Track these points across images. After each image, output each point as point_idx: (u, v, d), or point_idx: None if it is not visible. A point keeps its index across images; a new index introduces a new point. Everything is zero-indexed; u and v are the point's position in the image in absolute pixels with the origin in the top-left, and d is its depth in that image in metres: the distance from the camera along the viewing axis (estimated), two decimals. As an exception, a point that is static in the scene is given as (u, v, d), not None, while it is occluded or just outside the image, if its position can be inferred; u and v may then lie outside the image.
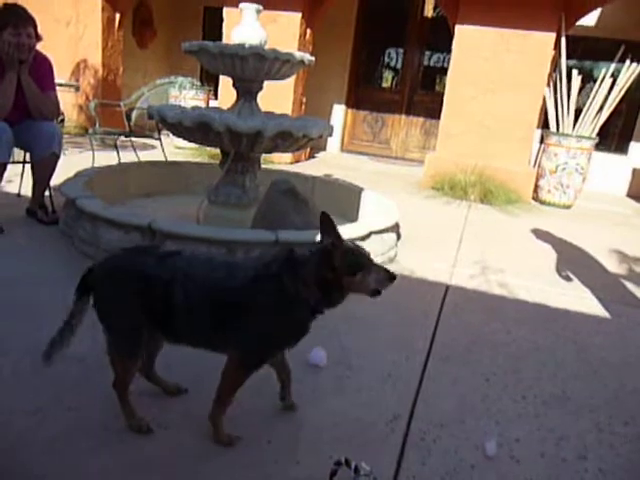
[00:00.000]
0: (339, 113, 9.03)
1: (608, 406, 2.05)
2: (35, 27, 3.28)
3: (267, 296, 1.46)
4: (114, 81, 8.13)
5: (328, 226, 1.46)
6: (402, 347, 2.32)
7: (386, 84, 9.28)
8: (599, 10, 7.67)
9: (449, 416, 1.86)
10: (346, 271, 1.43)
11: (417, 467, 1.60)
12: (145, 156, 5.68)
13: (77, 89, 7.34)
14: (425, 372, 2.14)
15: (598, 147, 7.76)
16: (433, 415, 1.86)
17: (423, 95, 8.69)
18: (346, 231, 3.09)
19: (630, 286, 3.54)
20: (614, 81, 6.32)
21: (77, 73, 7.88)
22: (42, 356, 1.50)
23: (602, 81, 6.35)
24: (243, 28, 3.27)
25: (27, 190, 3.63)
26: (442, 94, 6.70)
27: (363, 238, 3.11)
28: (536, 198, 6.50)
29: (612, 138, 8.45)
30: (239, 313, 1.46)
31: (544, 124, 6.92)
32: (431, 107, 8.27)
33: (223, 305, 1.47)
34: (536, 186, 6.51)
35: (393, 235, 3.47)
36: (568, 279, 3.53)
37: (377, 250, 3.19)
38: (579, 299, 3.16)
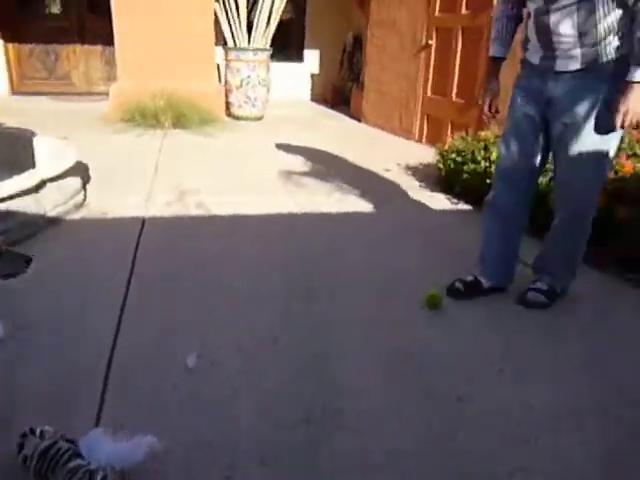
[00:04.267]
0: (-2, 49, 7.69)
1: (293, 293, 2.32)
2: None
3: None
4: None
5: None
6: (99, 293, 2.21)
7: (50, 10, 8.15)
8: None
9: (151, 343, 1.87)
10: None
11: (119, 404, 1.58)
12: None
13: None
14: (124, 308, 2.09)
15: (278, 58, 8.26)
16: (135, 349, 1.84)
17: (94, 20, 7.89)
18: (13, 184, 2.73)
19: (309, 180, 3.98)
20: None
21: None
22: None
23: (265, -7, 6.65)
24: None
25: None
26: (113, 17, 6.20)
27: (36, 189, 2.78)
28: (230, 114, 6.71)
29: (289, 47, 9.09)
30: None
31: (224, 41, 7.02)
32: (105, 33, 7.57)
33: None
34: (227, 103, 6.70)
35: (76, 179, 3.19)
36: (260, 186, 3.80)
37: (58, 199, 2.91)
38: (269, 203, 3.43)
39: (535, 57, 2.03)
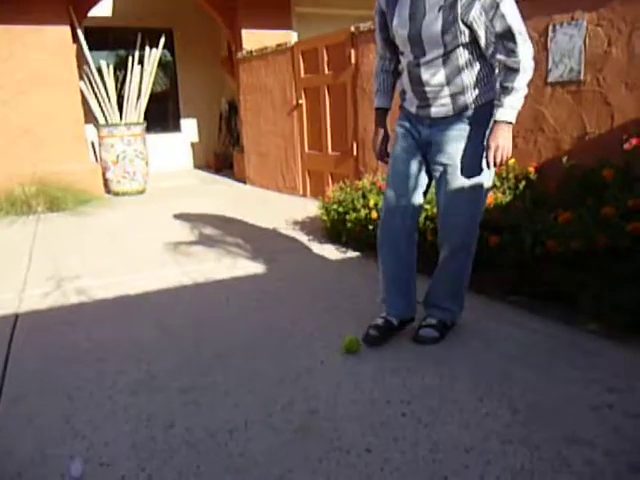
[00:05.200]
0: None
1: (188, 369, 2.21)
2: None
3: None
4: None
5: None
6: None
7: None
8: (111, 0, 7.92)
9: (27, 461, 1.67)
10: None
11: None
12: None
13: None
14: (-5, 424, 1.87)
15: (155, 130, 8.23)
16: (10, 463, 1.64)
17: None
18: None
19: (198, 248, 3.91)
20: (143, 67, 6.70)
21: None
22: None
23: (132, 69, 6.65)
24: None
25: None
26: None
27: None
28: (109, 191, 6.50)
29: (166, 119, 9.10)
30: None
31: (95, 118, 6.86)
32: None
33: None
34: (106, 180, 6.49)
35: None
36: (146, 261, 3.66)
37: None
38: (157, 278, 3.30)
39: (412, 107, 2.20)
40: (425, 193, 2.29)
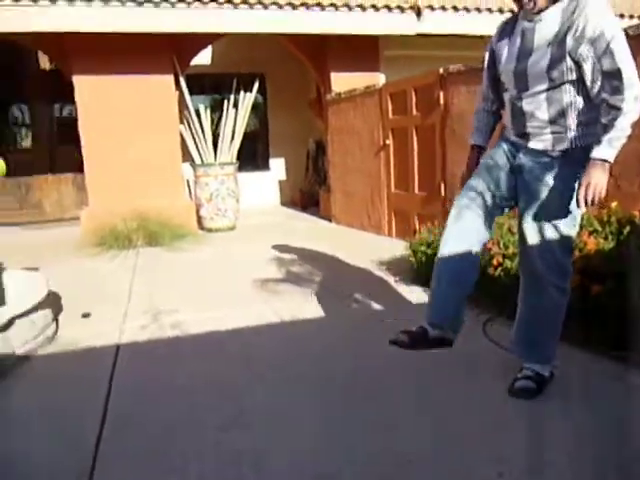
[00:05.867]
0: (-32, 186, 7.82)
1: (279, 410, 2.23)
2: None
3: None
4: None
5: None
6: (69, 436, 2.09)
7: (21, 143, 8.46)
8: (210, 49, 8.47)
9: (127, 490, 1.75)
10: None
11: None
12: None
13: None
14: (98, 450, 1.96)
15: (246, 168, 8.59)
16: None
17: (65, 149, 8.20)
18: (-19, 326, 2.66)
19: (285, 286, 3.98)
20: (237, 110, 7.07)
21: None
22: None
23: (227, 112, 7.03)
24: None
25: None
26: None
27: (5, 327, 2.71)
28: (202, 227, 6.82)
29: (257, 158, 9.50)
30: None
31: (191, 158, 7.27)
32: (78, 161, 7.85)
33: None
34: (199, 217, 6.83)
35: (47, 312, 3.12)
36: (237, 298, 3.78)
37: (28, 335, 2.83)
38: (247, 315, 3.38)
39: (511, 136, 2.20)
40: (502, 208, 2.22)
